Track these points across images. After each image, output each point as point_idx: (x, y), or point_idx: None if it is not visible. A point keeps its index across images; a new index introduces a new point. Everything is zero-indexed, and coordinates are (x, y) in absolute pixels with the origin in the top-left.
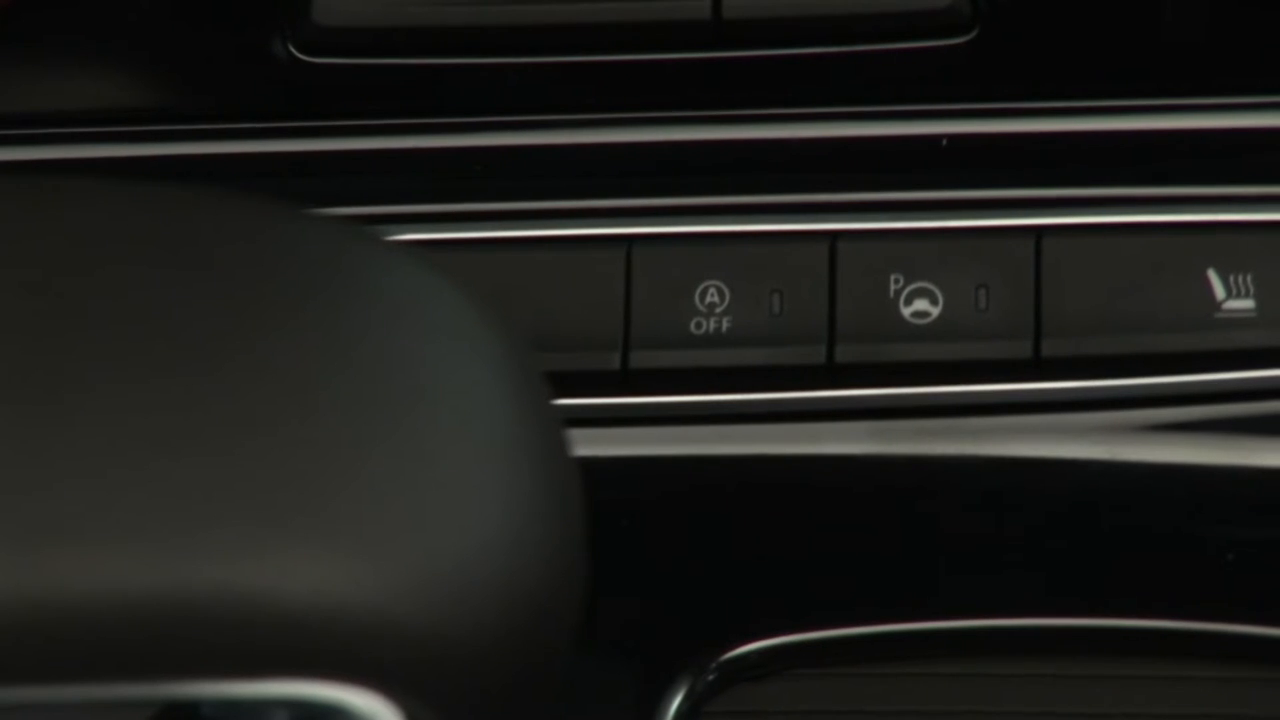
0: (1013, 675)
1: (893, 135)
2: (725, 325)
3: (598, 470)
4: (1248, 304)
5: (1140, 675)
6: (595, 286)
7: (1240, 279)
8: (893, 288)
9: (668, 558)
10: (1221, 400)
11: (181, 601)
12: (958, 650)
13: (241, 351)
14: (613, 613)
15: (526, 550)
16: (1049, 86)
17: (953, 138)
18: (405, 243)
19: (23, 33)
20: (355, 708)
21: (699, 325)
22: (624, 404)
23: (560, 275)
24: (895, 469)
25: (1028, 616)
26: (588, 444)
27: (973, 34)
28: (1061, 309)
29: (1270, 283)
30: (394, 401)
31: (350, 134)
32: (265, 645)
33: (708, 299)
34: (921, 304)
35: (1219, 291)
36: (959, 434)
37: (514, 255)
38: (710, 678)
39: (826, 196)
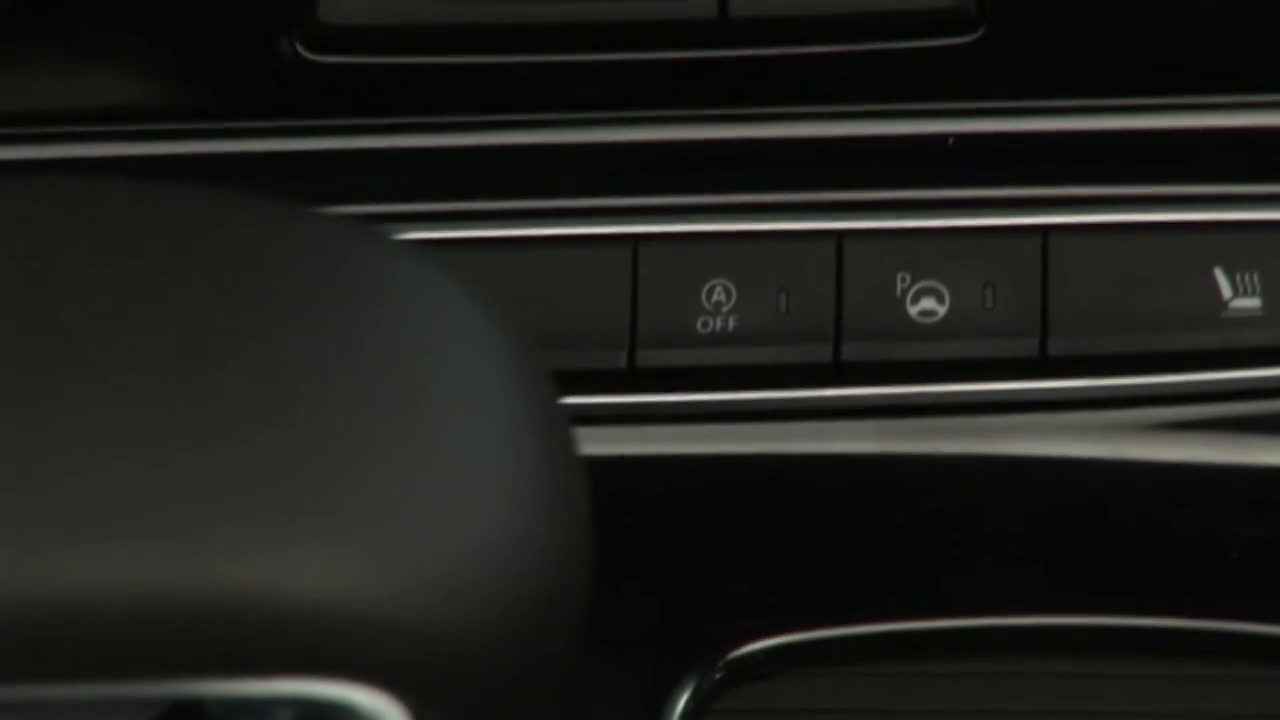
0: (1019, 674)
1: (899, 134)
2: (732, 324)
3: (605, 468)
4: (1254, 303)
5: (1145, 674)
6: (602, 285)
7: (1247, 278)
8: (899, 286)
9: (674, 556)
10: (1227, 399)
11: (187, 600)
12: (964, 649)
13: (247, 350)
14: (619, 611)
15: (531, 548)
16: (1055, 85)
17: (959, 136)
18: (412, 241)
19: (28, 31)
20: (360, 706)
21: (705, 324)
22: (630, 402)
23: (567, 274)
24: (901, 467)
25: (1033, 615)
26: (594, 442)
27: (979, 32)
28: (1068, 308)
29: (1276, 281)
30: (399, 400)
31: (357, 132)
32: (270, 644)
33: (714, 297)
34: (928, 303)
35: (1225, 290)
36: (965, 432)
37: (521, 254)
38: (717, 676)
39: (833, 195)
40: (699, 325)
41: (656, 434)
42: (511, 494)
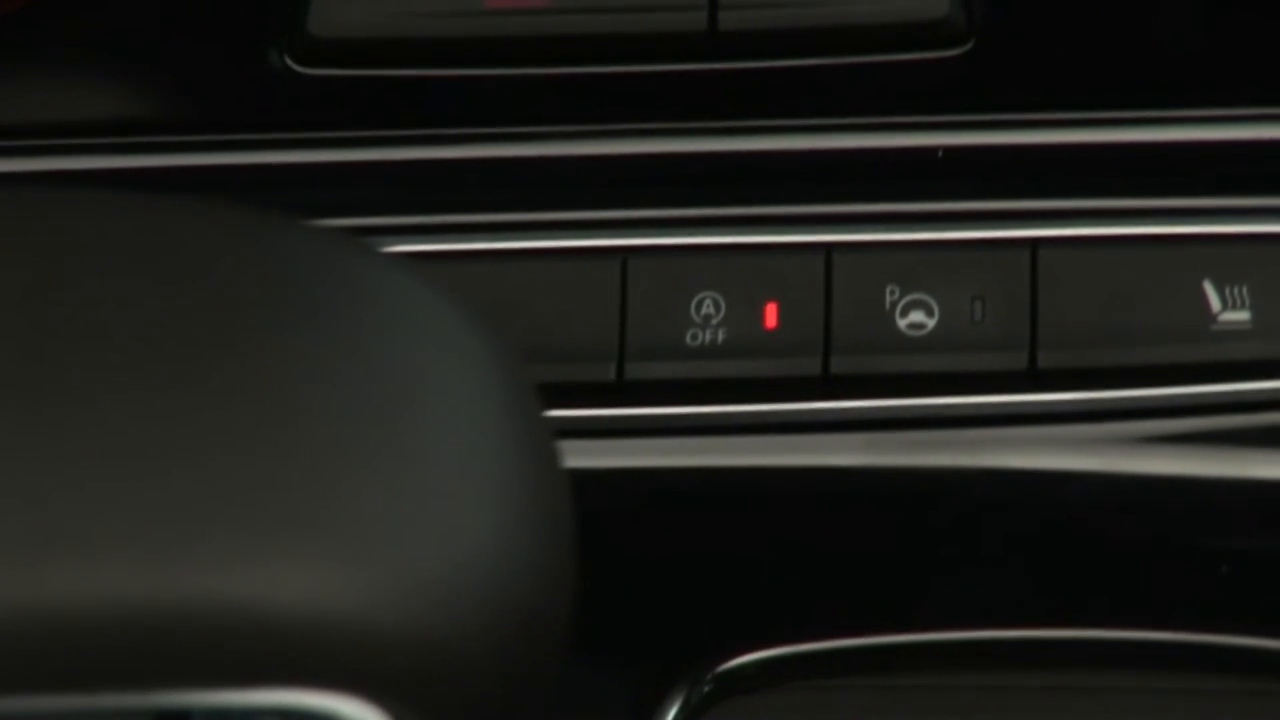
0: (1009, 687)
1: (888, 147)
2: (720, 337)
3: (594, 481)
4: (1243, 316)
5: (1135, 688)
6: (591, 298)
7: (1235, 291)
8: (888, 299)
9: (663, 569)
10: (1217, 412)
11: (171, 611)
12: (953, 662)
13: (232, 361)
14: (607, 624)
15: (514, 559)
16: (1045, 98)
17: (948, 149)
18: (399, 254)
19: (18, 44)
20: (344, 715)
21: (694, 337)
22: (620, 415)
23: (556, 287)
24: (891, 481)
25: (1023, 629)
26: (584, 455)
27: (968, 45)
28: (1057, 321)
29: (1265, 294)
30: (383, 412)
31: (345, 145)
32: (254, 654)
33: (703, 310)
34: (917, 315)
35: (1214, 303)
36: (955, 446)
37: (509, 267)
38: (705, 689)
39: (822, 208)
40: (688, 338)
41: (645, 447)
42: (494, 505)
